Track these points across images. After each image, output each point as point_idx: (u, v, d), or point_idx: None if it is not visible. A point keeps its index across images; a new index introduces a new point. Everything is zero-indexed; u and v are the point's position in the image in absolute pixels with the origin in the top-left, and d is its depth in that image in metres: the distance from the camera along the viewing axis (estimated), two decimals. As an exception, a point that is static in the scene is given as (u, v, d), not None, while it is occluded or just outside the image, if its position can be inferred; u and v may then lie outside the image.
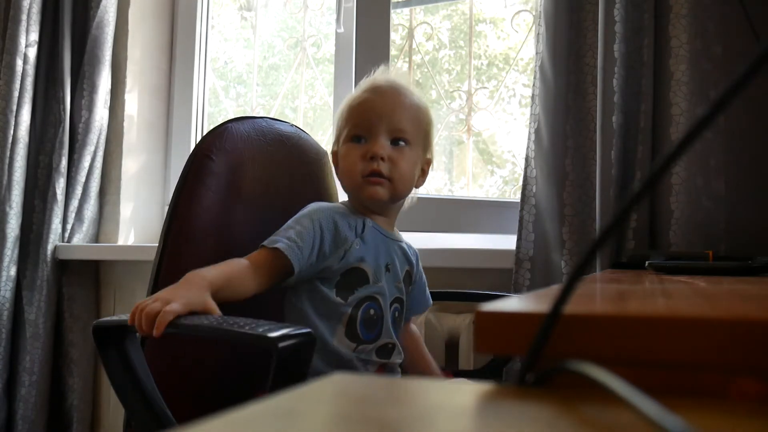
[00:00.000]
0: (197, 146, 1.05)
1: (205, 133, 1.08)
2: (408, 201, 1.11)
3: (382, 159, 1.00)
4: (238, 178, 1.07)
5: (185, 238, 1.01)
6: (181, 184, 1.02)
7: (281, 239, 0.94)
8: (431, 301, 1.17)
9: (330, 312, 0.98)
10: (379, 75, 1.09)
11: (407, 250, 1.09)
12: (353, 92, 1.09)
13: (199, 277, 0.85)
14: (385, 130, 1.02)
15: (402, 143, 1.03)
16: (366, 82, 1.09)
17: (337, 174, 1.10)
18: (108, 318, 0.86)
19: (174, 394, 0.89)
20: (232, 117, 1.13)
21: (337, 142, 1.08)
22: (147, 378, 0.83)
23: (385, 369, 1.02)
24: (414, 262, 1.10)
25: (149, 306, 0.77)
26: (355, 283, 0.99)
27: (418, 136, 1.05)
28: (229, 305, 0.85)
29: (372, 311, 1.00)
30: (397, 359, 1.03)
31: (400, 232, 1.12)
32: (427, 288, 1.16)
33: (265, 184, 1.11)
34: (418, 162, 1.06)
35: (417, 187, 1.09)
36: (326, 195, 1.22)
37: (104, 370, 0.84)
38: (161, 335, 0.76)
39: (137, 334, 0.82)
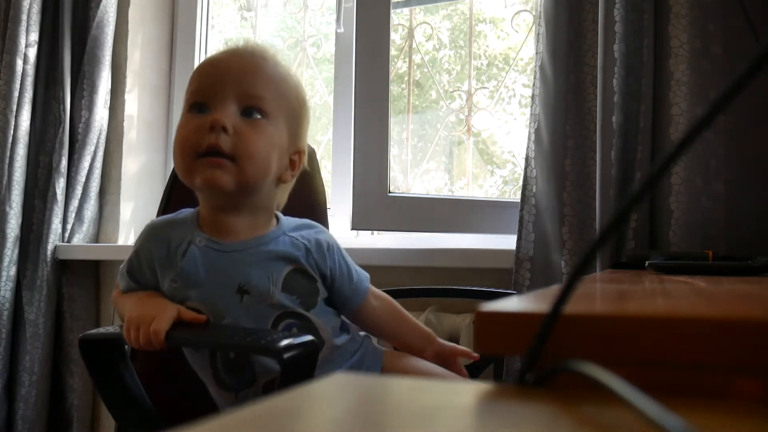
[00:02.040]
0: None
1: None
2: (281, 192, 0.88)
3: (225, 130, 0.77)
4: None
5: None
6: (171, 183, 1.02)
7: (121, 277, 0.86)
8: (366, 276, 0.91)
9: (195, 361, 0.84)
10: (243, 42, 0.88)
11: (286, 247, 0.83)
12: None
13: (156, 294, 0.81)
14: (234, 95, 0.79)
15: (257, 115, 0.80)
16: (223, 45, 0.89)
17: None
18: (95, 331, 0.86)
19: (164, 403, 0.88)
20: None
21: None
22: (137, 389, 0.83)
23: None
24: (300, 255, 0.82)
25: (141, 333, 0.74)
26: (194, 327, 0.77)
27: (281, 112, 0.82)
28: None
29: (231, 354, 0.80)
30: None
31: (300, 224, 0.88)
32: (353, 270, 0.88)
33: None
34: (281, 145, 0.82)
35: (283, 181, 0.85)
36: (314, 194, 1.20)
37: (93, 381, 0.83)
38: (167, 345, 0.74)
39: (126, 346, 0.81)
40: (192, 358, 0.85)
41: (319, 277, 0.84)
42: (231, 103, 0.79)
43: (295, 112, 0.86)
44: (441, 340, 0.97)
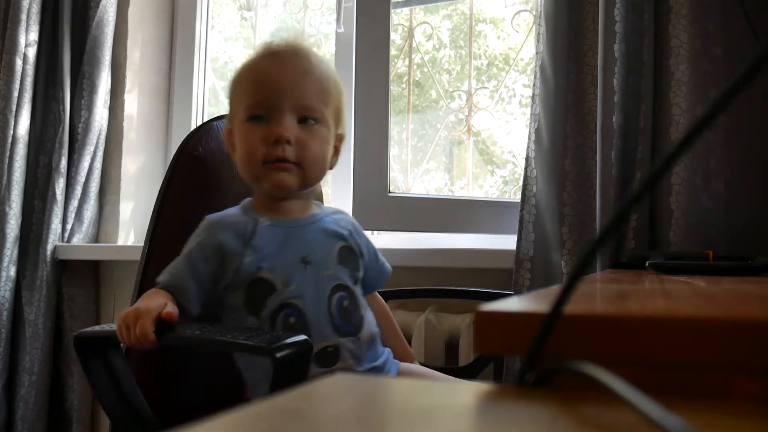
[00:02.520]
0: (182, 144, 1.04)
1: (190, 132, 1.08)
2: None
3: (288, 142, 0.88)
4: (224, 176, 1.06)
5: (171, 238, 1.00)
6: (167, 183, 1.01)
7: (168, 272, 0.88)
8: (389, 267, 1.04)
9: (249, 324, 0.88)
10: (276, 38, 0.96)
11: (332, 226, 0.95)
12: (248, 58, 0.95)
13: (154, 290, 0.85)
14: (291, 107, 0.89)
15: (311, 121, 0.90)
16: (262, 47, 0.95)
17: (234, 159, 0.95)
18: (90, 329, 0.86)
19: (161, 403, 0.88)
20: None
21: (231, 120, 0.95)
22: (132, 387, 0.83)
23: None
24: (347, 234, 0.95)
25: (131, 333, 0.76)
26: (263, 295, 0.86)
27: (328, 112, 0.92)
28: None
29: (292, 319, 0.86)
30: (349, 361, 0.87)
31: (325, 207, 1.00)
32: (378, 256, 1.02)
33: None
34: (330, 140, 0.93)
35: (331, 167, 0.97)
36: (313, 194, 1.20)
37: (87, 380, 0.83)
38: (158, 344, 0.76)
39: (122, 344, 0.82)
40: (243, 317, 0.87)
41: (359, 255, 0.96)
42: (289, 115, 0.89)
43: (337, 104, 0.95)
44: (416, 363, 1.05)
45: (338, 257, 0.92)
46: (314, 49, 0.96)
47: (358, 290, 0.93)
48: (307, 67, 0.91)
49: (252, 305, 0.86)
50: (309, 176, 0.91)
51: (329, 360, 0.87)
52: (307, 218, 0.94)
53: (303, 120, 0.90)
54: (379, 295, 1.06)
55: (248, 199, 0.96)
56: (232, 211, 0.93)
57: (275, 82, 0.89)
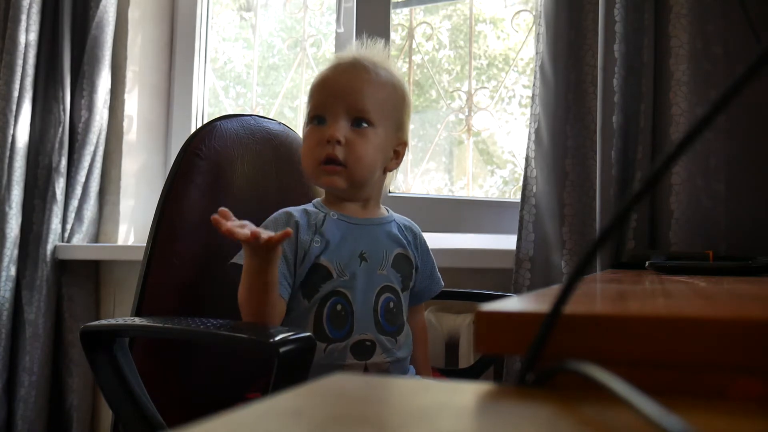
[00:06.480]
0: (185, 144, 1.04)
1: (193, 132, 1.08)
2: (388, 178, 1.06)
3: (339, 143, 0.95)
4: (227, 177, 1.06)
5: (174, 237, 1.00)
6: (170, 183, 1.01)
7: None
8: (442, 283, 1.11)
9: (299, 315, 0.94)
10: (348, 51, 1.04)
11: (397, 232, 1.02)
12: (321, 70, 1.04)
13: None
14: (345, 110, 0.96)
15: (364, 124, 0.97)
16: (332, 59, 1.04)
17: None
18: (96, 322, 0.86)
19: (163, 397, 0.88)
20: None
21: (304, 124, 1.04)
22: (136, 381, 0.83)
23: (373, 371, 0.94)
24: (406, 243, 1.03)
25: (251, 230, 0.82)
26: (318, 281, 0.94)
27: (384, 116, 0.99)
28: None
29: (339, 306, 0.94)
30: (384, 357, 0.94)
31: (393, 213, 1.06)
32: (435, 270, 1.09)
33: (253, 182, 1.11)
34: (386, 144, 1.00)
35: (389, 170, 1.04)
36: (313, 193, 1.21)
37: (93, 374, 0.83)
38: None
39: (127, 339, 0.82)
40: (296, 299, 0.94)
41: (414, 267, 1.03)
42: (343, 116, 0.96)
43: (397, 111, 1.02)
44: None
45: (393, 261, 0.99)
46: (382, 60, 1.02)
47: (405, 297, 1.01)
48: (364, 74, 0.99)
49: (307, 288, 0.94)
50: (356, 176, 0.96)
51: (366, 352, 0.93)
52: (373, 219, 1.01)
53: (357, 122, 0.97)
54: (422, 311, 1.13)
55: (318, 199, 1.04)
56: (305, 205, 1.01)
57: (331, 87, 0.98)
